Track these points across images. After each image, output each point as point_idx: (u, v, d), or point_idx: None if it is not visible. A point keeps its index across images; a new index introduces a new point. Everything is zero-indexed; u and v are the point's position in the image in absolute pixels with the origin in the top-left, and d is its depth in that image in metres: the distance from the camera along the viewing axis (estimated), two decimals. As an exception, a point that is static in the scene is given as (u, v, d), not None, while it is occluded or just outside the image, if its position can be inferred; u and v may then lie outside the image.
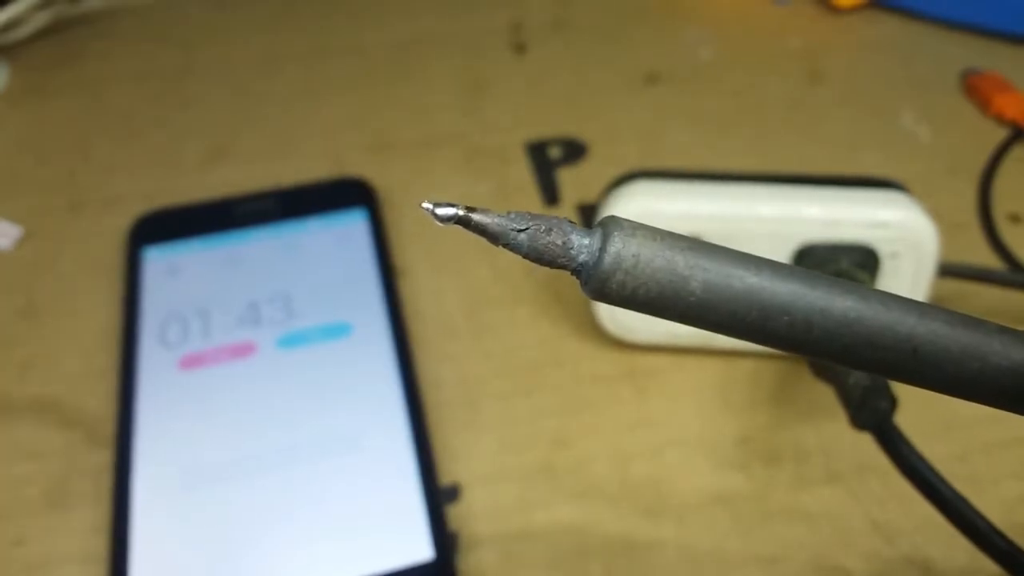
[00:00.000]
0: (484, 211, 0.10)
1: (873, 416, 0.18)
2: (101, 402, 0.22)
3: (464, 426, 0.22)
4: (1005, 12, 0.32)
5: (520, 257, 0.24)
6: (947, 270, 0.22)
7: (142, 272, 0.24)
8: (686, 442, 0.21)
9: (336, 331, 0.23)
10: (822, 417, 0.22)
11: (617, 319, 0.22)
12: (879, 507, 0.20)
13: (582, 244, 0.10)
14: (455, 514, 0.20)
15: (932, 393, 0.23)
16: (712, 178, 0.21)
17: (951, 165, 0.28)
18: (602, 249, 0.09)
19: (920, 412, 0.22)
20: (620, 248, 0.09)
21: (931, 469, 0.17)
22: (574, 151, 0.29)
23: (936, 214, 0.21)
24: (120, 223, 0.26)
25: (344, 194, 0.26)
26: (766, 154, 0.29)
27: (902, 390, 0.18)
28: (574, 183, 0.28)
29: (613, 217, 0.10)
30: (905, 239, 0.20)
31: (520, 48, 0.33)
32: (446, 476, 0.21)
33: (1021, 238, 0.26)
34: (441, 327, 0.24)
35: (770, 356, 0.23)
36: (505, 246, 0.10)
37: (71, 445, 0.21)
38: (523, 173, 0.28)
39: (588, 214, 0.27)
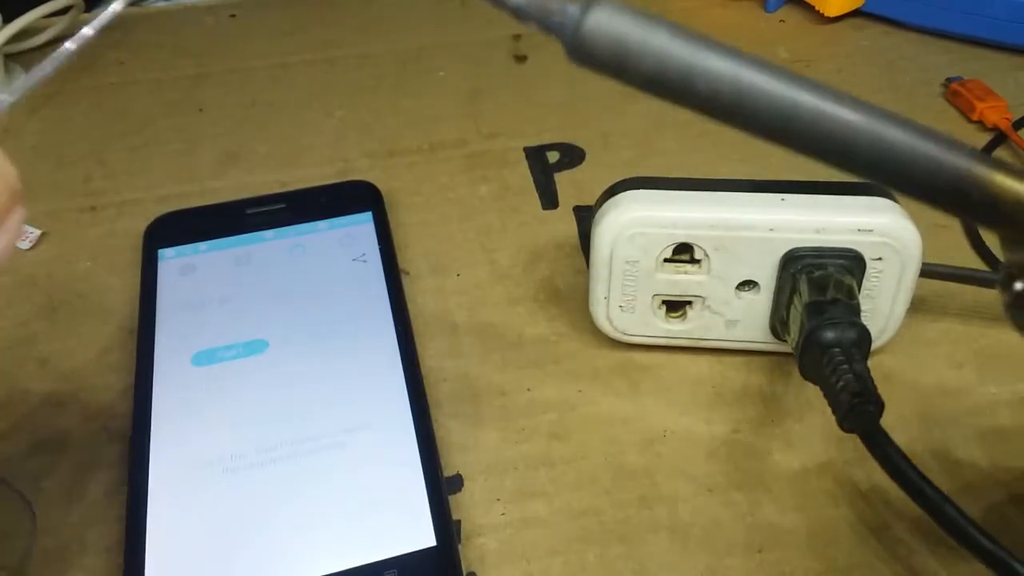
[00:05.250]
0: None
1: (861, 420, 0.18)
2: (117, 396, 0.23)
3: (466, 420, 0.22)
4: (987, 21, 0.33)
5: (517, 256, 0.25)
6: (930, 271, 0.23)
7: (157, 272, 0.25)
8: (678, 435, 0.22)
9: (343, 328, 0.23)
10: (809, 413, 0.22)
11: (612, 319, 0.23)
12: (864, 501, 0.20)
13: (567, 10, 0.12)
14: (457, 503, 0.20)
15: (917, 392, 0.23)
16: (702, 186, 0.22)
17: (936, 171, 0.29)
18: (582, 15, 0.11)
19: (905, 410, 0.22)
20: (598, 15, 0.11)
21: (915, 470, 0.18)
22: (572, 156, 0.30)
23: (919, 216, 0.21)
24: (135, 225, 0.27)
25: (351, 197, 0.27)
26: (755, 161, 0.29)
27: (887, 394, 0.19)
28: (572, 187, 0.29)
29: None
30: (889, 244, 0.20)
31: (520, 58, 0.34)
32: (449, 468, 0.21)
33: (1002, 240, 0.27)
34: (443, 325, 0.24)
35: (759, 355, 0.23)
36: (508, 10, 0.12)
37: (87, 438, 0.22)
38: (523, 177, 0.29)
39: (584, 214, 0.28)
